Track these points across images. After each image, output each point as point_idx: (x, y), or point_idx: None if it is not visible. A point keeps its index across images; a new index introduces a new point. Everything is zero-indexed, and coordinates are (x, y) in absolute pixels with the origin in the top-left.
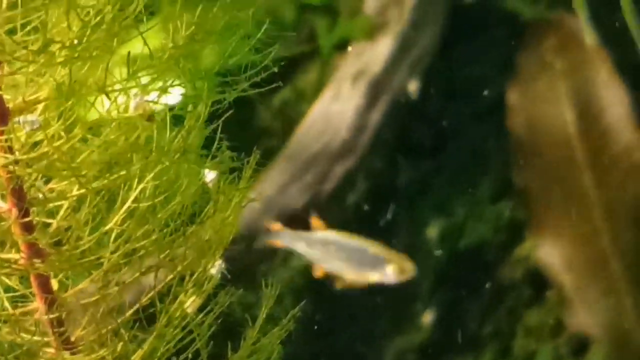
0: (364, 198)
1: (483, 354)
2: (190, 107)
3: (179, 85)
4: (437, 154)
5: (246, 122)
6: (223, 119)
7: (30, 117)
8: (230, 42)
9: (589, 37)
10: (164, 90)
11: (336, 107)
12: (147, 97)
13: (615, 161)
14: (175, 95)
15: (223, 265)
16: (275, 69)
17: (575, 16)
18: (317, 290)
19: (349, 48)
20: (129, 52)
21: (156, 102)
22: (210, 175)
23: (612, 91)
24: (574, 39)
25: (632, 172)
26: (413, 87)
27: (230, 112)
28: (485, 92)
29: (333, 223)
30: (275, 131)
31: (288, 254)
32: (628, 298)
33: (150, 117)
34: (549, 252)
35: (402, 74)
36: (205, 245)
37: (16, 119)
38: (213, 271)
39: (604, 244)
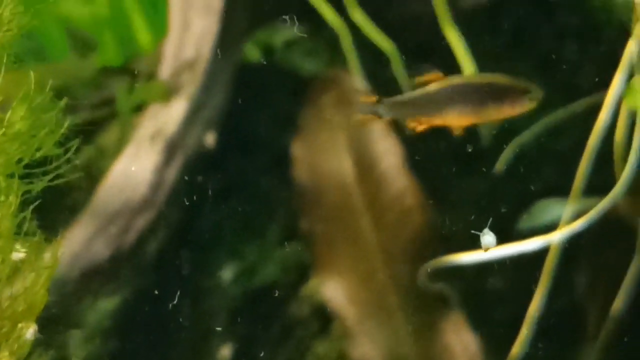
0: (164, 246)
1: None
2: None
3: None
4: (231, 202)
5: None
6: (33, 206)
7: None
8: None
9: (363, 93)
10: None
11: (136, 165)
12: None
13: (390, 205)
14: None
15: (36, 329)
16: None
17: (350, 73)
18: (122, 328)
19: (147, 109)
20: None
21: None
22: (17, 255)
23: (386, 142)
24: (350, 95)
25: (404, 215)
26: (210, 139)
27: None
28: (272, 145)
29: (136, 272)
30: (80, 188)
31: (96, 299)
32: (404, 328)
33: None
34: (333, 289)
35: (196, 132)
36: (19, 316)
37: None
38: (27, 336)
39: (382, 280)
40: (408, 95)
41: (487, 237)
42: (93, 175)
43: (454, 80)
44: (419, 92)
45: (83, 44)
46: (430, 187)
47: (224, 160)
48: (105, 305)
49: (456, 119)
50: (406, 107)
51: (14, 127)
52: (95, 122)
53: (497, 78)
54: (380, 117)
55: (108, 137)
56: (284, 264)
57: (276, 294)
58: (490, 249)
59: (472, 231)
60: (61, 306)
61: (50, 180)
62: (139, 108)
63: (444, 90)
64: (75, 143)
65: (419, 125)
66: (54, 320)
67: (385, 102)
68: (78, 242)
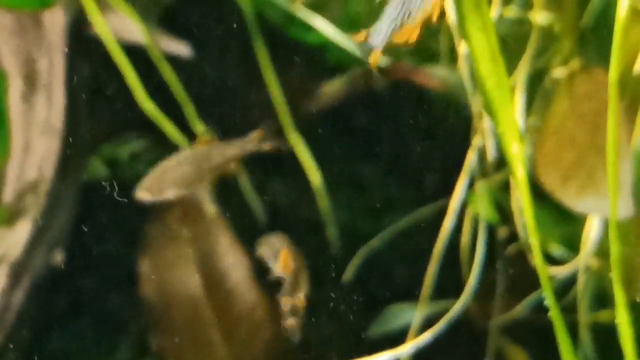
0: None
1: None
2: None
3: None
4: (80, 321)
5: None
6: None
7: None
8: None
9: (209, 206)
10: None
11: None
12: None
13: (240, 319)
14: None
15: None
16: None
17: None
18: None
19: None
20: None
21: None
22: None
23: (234, 255)
24: (197, 209)
25: (256, 328)
26: (58, 258)
27: None
28: (119, 263)
29: None
30: None
31: None
32: None
33: None
34: None
35: (42, 253)
36: None
37: None
38: None
39: None
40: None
41: None
42: None
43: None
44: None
45: None
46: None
47: (72, 279)
48: None
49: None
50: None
51: None
52: None
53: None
54: None
55: None
56: None
57: None
58: None
59: None
60: None
61: None
62: None
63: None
64: None
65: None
66: None
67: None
68: None
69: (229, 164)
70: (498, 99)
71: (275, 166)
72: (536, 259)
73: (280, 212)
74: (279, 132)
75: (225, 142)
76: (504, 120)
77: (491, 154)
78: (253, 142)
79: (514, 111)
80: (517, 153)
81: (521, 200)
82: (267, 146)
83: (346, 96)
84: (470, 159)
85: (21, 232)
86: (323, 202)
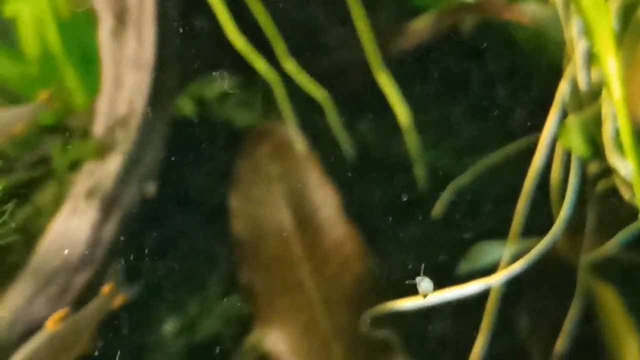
0: None
1: None
2: None
3: None
4: (170, 257)
5: None
6: None
7: None
8: None
9: (299, 143)
10: None
11: (73, 223)
12: None
13: (329, 254)
14: None
15: None
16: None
17: (285, 123)
18: None
19: (83, 167)
20: None
21: None
22: None
23: (323, 192)
24: (287, 146)
25: (344, 264)
26: (151, 189)
27: None
28: (209, 198)
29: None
30: (18, 248)
31: None
32: None
33: None
34: (275, 340)
35: (133, 188)
36: None
37: None
38: None
39: (324, 329)
40: None
41: (424, 283)
42: (30, 234)
43: None
44: None
45: (11, 103)
46: (368, 236)
47: (161, 214)
48: None
49: None
50: None
51: None
52: (31, 181)
53: None
54: None
55: (44, 196)
56: (226, 316)
57: (219, 347)
58: (429, 294)
59: (408, 281)
60: None
61: None
62: (74, 166)
63: None
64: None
65: None
66: None
67: None
68: (17, 303)
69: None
70: (595, 16)
71: (364, 105)
72: (636, 186)
73: (368, 150)
74: (366, 71)
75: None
76: (600, 37)
77: (584, 85)
78: (103, 301)
79: (610, 28)
80: (614, 72)
81: (618, 123)
82: (117, 301)
83: (434, 34)
84: (562, 90)
85: (112, 166)
86: (411, 140)
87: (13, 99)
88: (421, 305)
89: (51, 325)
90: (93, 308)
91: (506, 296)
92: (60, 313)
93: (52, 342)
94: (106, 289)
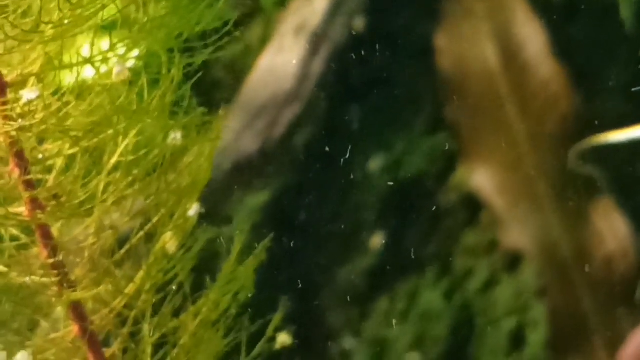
0: (312, 140)
1: (426, 273)
2: (164, 71)
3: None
4: (377, 93)
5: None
6: (193, 80)
7: (29, 91)
8: (196, 11)
9: None
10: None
11: (280, 59)
12: (127, 64)
13: (536, 92)
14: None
15: (199, 207)
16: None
17: None
18: (279, 222)
19: (291, 4)
20: (110, 30)
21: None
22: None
23: (529, 29)
24: None
25: (550, 102)
26: (360, 24)
27: (199, 74)
28: (416, 36)
29: (284, 165)
30: (226, 84)
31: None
32: (553, 214)
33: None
34: (481, 178)
35: (340, 24)
36: (183, 191)
37: (20, 93)
38: (191, 212)
39: (529, 167)
40: None
41: None
42: (239, 71)
43: None
44: None
45: None
46: (576, 74)
47: (368, 52)
48: (255, 200)
49: None
50: None
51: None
52: (239, 19)
53: None
54: None
55: (252, 33)
56: (431, 154)
57: (424, 185)
58: None
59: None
60: (210, 201)
61: (212, 53)
62: (282, 3)
63: None
64: (234, 16)
65: None
66: (202, 216)
67: None
68: (226, 137)
69: None
70: None
71: None
72: None
73: None
74: None
75: None
76: None
77: None
78: None
79: None
80: None
81: None
82: None
83: None
84: None
85: (319, 3)
86: None
87: None
88: (632, 137)
89: None
90: None
91: None
92: None
93: None
94: None
